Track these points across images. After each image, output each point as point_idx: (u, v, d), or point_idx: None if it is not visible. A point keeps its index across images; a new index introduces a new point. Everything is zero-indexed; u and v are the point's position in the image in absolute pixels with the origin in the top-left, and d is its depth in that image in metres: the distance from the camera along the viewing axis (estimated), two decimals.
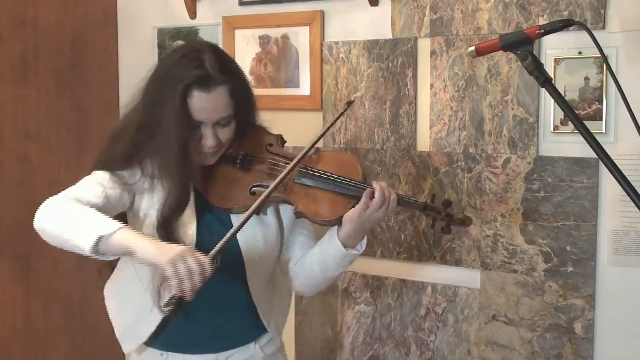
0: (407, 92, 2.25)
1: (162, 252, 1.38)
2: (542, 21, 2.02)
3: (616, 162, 1.30)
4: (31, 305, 2.67)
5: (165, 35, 2.73)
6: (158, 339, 1.60)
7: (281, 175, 1.58)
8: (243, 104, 1.65)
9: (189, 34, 2.67)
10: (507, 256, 2.12)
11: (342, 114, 1.77)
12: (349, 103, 1.79)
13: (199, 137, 1.59)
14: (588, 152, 1.79)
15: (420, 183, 2.24)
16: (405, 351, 2.29)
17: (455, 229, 1.87)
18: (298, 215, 1.64)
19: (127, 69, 2.87)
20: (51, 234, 1.49)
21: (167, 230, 1.59)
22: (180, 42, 2.69)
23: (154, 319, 1.59)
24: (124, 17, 2.86)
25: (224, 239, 1.48)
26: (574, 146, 2.01)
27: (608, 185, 1.97)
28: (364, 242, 1.65)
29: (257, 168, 1.67)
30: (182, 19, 2.68)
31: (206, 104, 1.56)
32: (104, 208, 1.53)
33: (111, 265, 1.76)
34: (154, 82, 1.62)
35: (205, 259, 1.38)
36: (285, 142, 1.75)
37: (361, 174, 1.63)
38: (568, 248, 2.04)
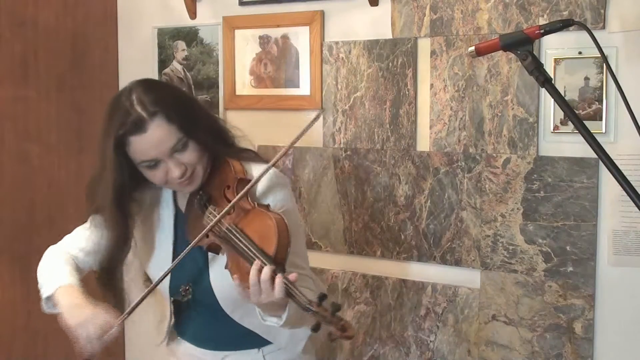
0: (407, 92, 2.25)
1: (72, 316, 1.53)
2: (542, 21, 2.02)
3: (616, 162, 1.30)
4: (31, 305, 2.66)
5: (165, 35, 2.73)
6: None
7: (201, 234, 1.50)
8: (189, 123, 1.53)
9: (189, 34, 2.67)
10: (507, 256, 2.12)
11: (308, 128, 1.51)
12: (319, 115, 1.58)
13: (165, 172, 1.53)
14: (588, 152, 1.79)
15: (420, 183, 2.24)
16: (405, 351, 2.29)
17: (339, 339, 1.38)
18: (226, 266, 1.51)
19: (127, 69, 2.87)
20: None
21: (108, 278, 1.67)
22: (180, 43, 2.69)
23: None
24: (124, 17, 2.86)
25: (140, 297, 1.54)
26: (574, 146, 2.01)
27: (608, 185, 1.97)
28: (284, 316, 1.39)
29: (210, 210, 1.56)
30: (182, 19, 2.68)
31: (148, 143, 1.50)
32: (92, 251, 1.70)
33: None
34: (99, 142, 1.58)
35: (111, 322, 1.49)
36: (247, 182, 1.52)
37: (274, 250, 1.40)
38: (568, 248, 2.04)
